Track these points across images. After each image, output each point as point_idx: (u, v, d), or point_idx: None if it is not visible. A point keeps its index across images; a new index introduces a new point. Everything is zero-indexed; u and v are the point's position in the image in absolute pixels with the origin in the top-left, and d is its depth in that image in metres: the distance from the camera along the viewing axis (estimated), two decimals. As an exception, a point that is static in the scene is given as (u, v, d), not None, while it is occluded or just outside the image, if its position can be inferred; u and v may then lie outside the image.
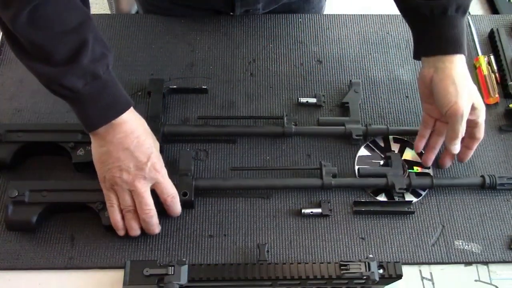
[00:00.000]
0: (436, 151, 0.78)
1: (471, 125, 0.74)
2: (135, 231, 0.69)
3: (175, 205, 0.70)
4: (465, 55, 0.72)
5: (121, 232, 0.69)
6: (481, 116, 0.73)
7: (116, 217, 0.68)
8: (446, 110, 0.70)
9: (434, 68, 0.72)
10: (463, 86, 0.70)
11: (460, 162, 0.79)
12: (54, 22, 0.59)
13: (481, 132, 0.75)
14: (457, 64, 0.71)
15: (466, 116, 0.70)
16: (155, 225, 0.69)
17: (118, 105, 0.65)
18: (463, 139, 0.74)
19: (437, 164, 0.79)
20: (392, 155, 0.78)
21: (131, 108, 0.67)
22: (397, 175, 0.75)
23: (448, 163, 0.78)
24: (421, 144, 0.78)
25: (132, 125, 0.66)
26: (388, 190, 0.76)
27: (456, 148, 0.73)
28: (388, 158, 0.78)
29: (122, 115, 0.65)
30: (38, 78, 0.63)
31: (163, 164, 0.69)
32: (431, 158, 0.78)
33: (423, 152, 0.79)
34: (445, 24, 0.71)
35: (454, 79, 0.70)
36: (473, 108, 0.71)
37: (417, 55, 0.76)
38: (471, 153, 0.77)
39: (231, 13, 0.93)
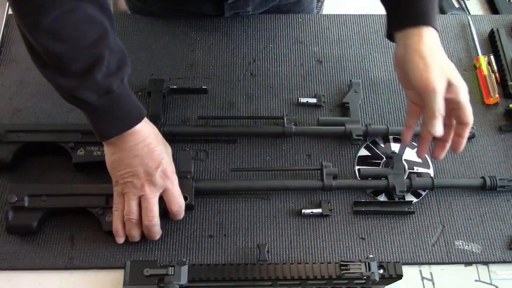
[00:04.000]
0: (428, 142, 0.70)
1: (454, 106, 0.67)
2: (135, 238, 0.70)
3: (180, 214, 0.71)
4: (434, 28, 0.68)
5: (120, 240, 0.70)
6: (462, 93, 0.66)
7: (117, 224, 0.68)
8: (418, 88, 0.66)
9: (404, 46, 0.68)
10: (432, 59, 0.66)
11: (454, 152, 0.71)
12: (71, 35, 0.59)
13: (467, 114, 0.67)
14: (425, 38, 0.67)
15: (440, 92, 0.64)
16: (156, 233, 0.69)
17: (130, 118, 0.65)
18: (453, 127, 0.69)
19: (432, 155, 0.73)
20: (393, 155, 0.77)
21: (145, 118, 0.67)
22: (398, 176, 0.75)
23: (440, 152, 0.71)
24: (408, 134, 0.73)
25: (144, 134, 0.67)
26: (389, 191, 0.76)
27: (437, 129, 0.65)
28: (389, 158, 0.77)
29: (138, 125, 0.66)
30: (54, 87, 0.63)
31: (174, 171, 0.70)
32: (424, 150, 0.72)
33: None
34: None
35: (422, 53, 0.66)
36: (449, 85, 0.66)
37: (388, 33, 0.72)
38: (463, 141, 0.69)
39: (221, 16, 0.93)
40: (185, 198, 0.71)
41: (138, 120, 0.66)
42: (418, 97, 0.69)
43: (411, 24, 0.68)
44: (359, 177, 0.77)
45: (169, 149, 0.71)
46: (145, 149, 0.66)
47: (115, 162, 0.67)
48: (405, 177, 0.76)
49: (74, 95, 0.61)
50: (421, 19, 0.67)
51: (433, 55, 0.66)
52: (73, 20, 0.58)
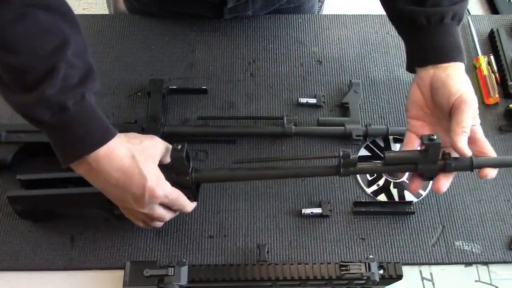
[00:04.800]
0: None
1: (473, 136, 0.65)
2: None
3: (183, 210, 0.67)
4: (464, 64, 0.69)
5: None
6: (478, 123, 0.67)
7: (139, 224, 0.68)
8: (453, 99, 0.64)
9: (435, 68, 0.68)
10: (467, 84, 0.66)
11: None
12: (21, 45, 0.52)
13: (486, 146, 0.66)
14: (458, 70, 0.68)
15: (474, 110, 0.64)
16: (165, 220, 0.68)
17: (91, 141, 0.56)
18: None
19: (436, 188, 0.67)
20: (430, 143, 0.62)
21: (114, 140, 0.58)
22: (429, 163, 0.65)
23: (445, 185, 0.66)
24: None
25: (115, 161, 0.58)
26: (388, 189, 0.76)
27: (464, 146, 0.61)
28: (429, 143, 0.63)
29: (99, 150, 0.56)
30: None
31: (164, 184, 0.62)
32: (418, 185, 0.68)
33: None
34: (442, 32, 0.69)
35: (457, 77, 0.66)
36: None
37: (412, 66, 0.71)
38: (494, 172, 0.66)
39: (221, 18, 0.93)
40: (192, 195, 0.68)
41: (99, 144, 0.56)
42: (422, 126, 0.70)
43: (444, 61, 0.68)
44: (383, 164, 0.65)
45: (158, 149, 0.64)
46: (121, 178, 0.58)
47: (100, 190, 0.61)
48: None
49: (25, 112, 0.54)
50: (454, 54, 0.68)
51: (467, 82, 0.67)
52: (23, 28, 0.52)
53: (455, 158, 0.65)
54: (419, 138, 0.70)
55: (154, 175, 0.61)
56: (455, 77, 0.66)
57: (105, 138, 0.57)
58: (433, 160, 0.63)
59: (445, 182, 0.66)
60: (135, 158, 0.59)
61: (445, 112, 0.67)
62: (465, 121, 0.63)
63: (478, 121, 0.67)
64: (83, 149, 0.56)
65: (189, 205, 0.67)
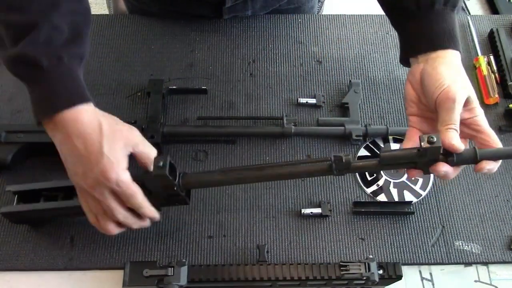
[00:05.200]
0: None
1: (474, 127, 0.63)
2: (114, 231, 0.64)
3: (140, 211, 0.63)
4: (459, 52, 0.65)
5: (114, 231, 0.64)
6: (480, 114, 0.63)
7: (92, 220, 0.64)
8: (436, 95, 0.61)
9: (425, 61, 0.65)
10: (457, 72, 0.63)
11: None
12: (15, 2, 0.56)
13: (491, 137, 0.62)
14: (452, 58, 0.64)
15: (460, 105, 0.60)
16: (134, 224, 0.63)
17: (56, 101, 0.57)
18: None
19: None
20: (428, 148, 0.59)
21: (84, 107, 0.58)
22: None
23: (451, 171, 0.61)
24: None
25: (78, 126, 0.58)
26: (388, 189, 0.76)
27: (456, 141, 0.59)
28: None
29: (66, 112, 0.57)
30: None
31: (122, 167, 0.59)
32: (416, 173, 0.64)
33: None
34: (433, 18, 0.65)
35: (449, 65, 0.63)
36: (468, 103, 0.62)
37: (404, 57, 0.69)
38: (496, 165, 0.62)
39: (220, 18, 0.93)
40: (182, 201, 0.66)
41: (66, 105, 0.57)
42: (424, 122, 0.66)
43: (436, 48, 0.65)
44: (379, 163, 0.63)
45: (133, 135, 0.62)
46: (80, 147, 0.58)
47: (61, 156, 0.61)
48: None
49: (7, 66, 0.58)
50: (447, 42, 0.65)
51: (459, 70, 0.64)
52: None
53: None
54: (420, 132, 0.67)
55: (113, 157, 0.58)
56: (441, 70, 0.62)
57: (73, 101, 0.58)
58: (432, 159, 0.60)
59: (450, 169, 0.61)
60: (102, 133, 0.58)
61: (433, 109, 0.64)
62: (450, 119, 0.60)
63: (480, 111, 0.63)
64: (50, 108, 0.57)
65: (148, 208, 0.62)
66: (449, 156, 0.60)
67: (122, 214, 0.62)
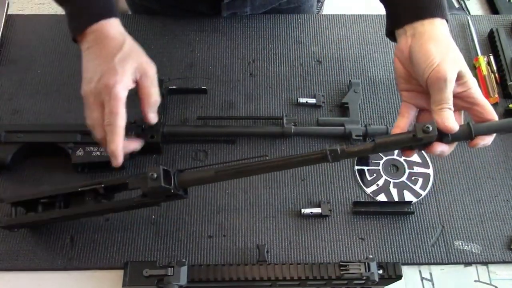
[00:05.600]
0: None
1: (467, 103, 0.62)
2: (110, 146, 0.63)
3: (110, 125, 0.62)
4: (447, 20, 0.64)
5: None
6: (474, 86, 0.61)
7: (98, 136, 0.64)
8: (427, 75, 0.60)
9: (412, 35, 0.63)
10: (447, 47, 0.61)
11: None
12: None
13: (487, 109, 0.61)
14: (439, 27, 0.62)
15: (451, 83, 0.59)
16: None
17: (89, 14, 0.63)
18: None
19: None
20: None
21: (112, 21, 0.65)
22: None
23: (447, 149, 0.62)
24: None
25: (104, 35, 0.63)
26: (388, 189, 0.76)
27: (451, 121, 0.58)
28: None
29: (94, 25, 0.63)
30: None
31: (124, 84, 0.62)
32: (411, 153, 0.65)
33: None
34: None
35: (437, 40, 0.61)
36: (460, 77, 0.61)
37: (390, 29, 0.67)
38: (490, 139, 0.62)
39: (219, 15, 0.92)
40: (180, 197, 0.66)
41: (95, 18, 0.63)
42: (415, 97, 0.66)
43: (422, 17, 0.63)
44: (373, 149, 0.62)
45: (144, 70, 0.66)
46: (99, 50, 0.63)
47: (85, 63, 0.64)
48: None
49: None
50: (433, 10, 0.63)
51: (449, 43, 0.62)
52: None
53: None
54: (414, 107, 0.67)
55: (121, 68, 0.62)
56: (429, 47, 0.61)
57: (102, 15, 0.63)
58: (428, 142, 0.60)
59: (446, 147, 0.62)
60: (122, 48, 0.64)
61: (424, 87, 0.62)
62: (442, 99, 0.59)
63: (474, 83, 0.61)
64: (83, 21, 0.63)
65: (116, 146, 0.61)
66: (444, 135, 0.60)
67: (98, 131, 0.63)
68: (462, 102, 0.63)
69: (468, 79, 0.61)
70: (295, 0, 0.99)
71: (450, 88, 0.59)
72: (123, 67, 0.62)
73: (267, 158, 0.64)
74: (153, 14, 0.93)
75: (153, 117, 0.68)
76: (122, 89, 0.61)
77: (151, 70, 0.66)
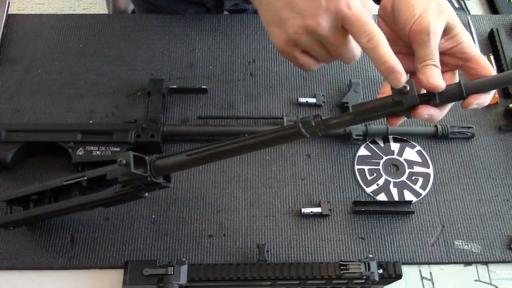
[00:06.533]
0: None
1: (460, 56, 0.55)
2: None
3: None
4: None
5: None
6: (466, 40, 0.54)
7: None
8: (408, 29, 0.52)
9: None
10: None
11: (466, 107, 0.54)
12: None
13: (481, 64, 0.54)
14: None
15: (435, 35, 0.52)
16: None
17: None
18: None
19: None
20: None
21: None
22: None
23: (437, 113, 0.53)
24: None
25: None
26: (388, 189, 0.76)
27: (437, 80, 0.51)
28: None
29: None
30: None
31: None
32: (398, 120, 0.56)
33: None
34: None
35: None
36: (448, 30, 0.53)
37: None
38: (486, 98, 0.53)
39: (221, 8, 0.92)
40: (163, 186, 0.62)
41: None
42: (403, 58, 0.54)
43: None
44: (354, 118, 0.55)
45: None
46: None
47: (267, 14, 0.53)
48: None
49: None
50: None
51: None
52: None
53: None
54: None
55: None
56: None
57: None
58: (411, 105, 0.52)
59: (435, 110, 0.53)
60: None
61: (409, 44, 0.54)
62: (425, 54, 0.52)
63: (466, 35, 0.54)
64: None
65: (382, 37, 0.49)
66: (431, 96, 0.52)
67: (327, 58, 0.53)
68: (452, 59, 0.55)
69: (458, 32, 0.54)
70: None
71: (435, 41, 0.52)
72: None
73: (246, 136, 0.59)
74: (156, 10, 0.93)
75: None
76: (356, 1, 0.49)
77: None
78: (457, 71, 0.57)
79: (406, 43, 0.55)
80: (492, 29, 0.93)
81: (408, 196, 0.77)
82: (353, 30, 0.49)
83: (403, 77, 0.49)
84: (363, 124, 0.80)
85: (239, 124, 0.82)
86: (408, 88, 0.50)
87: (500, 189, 0.78)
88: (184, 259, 0.64)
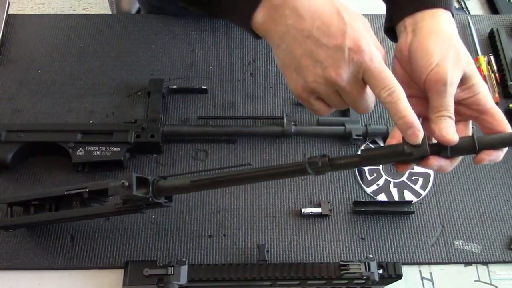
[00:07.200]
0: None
1: (475, 107, 0.53)
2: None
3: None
4: (452, 13, 0.56)
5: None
6: (482, 91, 0.53)
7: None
8: (424, 77, 0.52)
9: (412, 31, 0.55)
10: (448, 44, 0.52)
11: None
12: None
13: (497, 118, 0.53)
14: (442, 20, 0.55)
15: (452, 86, 0.51)
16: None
17: None
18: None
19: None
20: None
21: None
22: None
23: (447, 164, 0.52)
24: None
25: (303, 2, 0.49)
26: (388, 189, 0.76)
27: (449, 132, 0.49)
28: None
29: None
30: None
31: (369, 41, 0.50)
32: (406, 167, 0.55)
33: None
34: None
35: (437, 36, 0.53)
36: (465, 80, 0.52)
37: (389, 24, 0.60)
38: (499, 154, 0.52)
39: None
40: (164, 206, 0.63)
41: None
42: (416, 103, 0.55)
43: (424, 6, 0.55)
44: (362, 161, 0.54)
45: (360, 21, 0.52)
46: (316, 23, 0.48)
47: (285, 58, 0.51)
48: None
49: None
50: (438, 0, 0.55)
51: (451, 39, 0.53)
52: None
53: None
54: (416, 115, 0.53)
55: (357, 27, 0.49)
56: (428, 44, 0.53)
57: None
58: (421, 155, 0.51)
59: (446, 162, 0.52)
60: (333, 4, 0.49)
61: (425, 92, 0.54)
62: (441, 105, 0.51)
63: (483, 87, 0.53)
64: None
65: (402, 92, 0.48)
66: (443, 148, 0.51)
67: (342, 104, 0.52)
68: (467, 110, 0.54)
69: (475, 83, 0.53)
70: None
71: (451, 92, 0.51)
72: (358, 28, 0.49)
73: (251, 166, 0.60)
74: (164, 12, 0.93)
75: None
76: (378, 52, 0.50)
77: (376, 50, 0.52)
78: (470, 121, 0.56)
79: (421, 88, 0.54)
80: (492, 29, 0.93)
81: (408, 196, 0.77)
82: (374, 83, 0.49)
83: (421, 134, 0.48)
84: (363, 124, 0.80)
85: (239, 124, 0.82)
86: (420, 142, 0.49)
87: (500, 189, 0.78)
88: (184, 259, 0.64)
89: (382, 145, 0.81)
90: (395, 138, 0.55)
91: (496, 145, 0.51)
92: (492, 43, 0.92)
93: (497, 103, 0.85)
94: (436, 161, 0.51)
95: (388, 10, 0.62)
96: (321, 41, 0.49)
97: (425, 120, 0.56)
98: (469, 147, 0.51)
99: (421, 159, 0.51)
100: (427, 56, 0.52)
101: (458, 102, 0.53)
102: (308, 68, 0.50)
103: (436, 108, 0.51)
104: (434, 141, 0.51)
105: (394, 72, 0.57)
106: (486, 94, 0.53)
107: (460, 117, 0.54)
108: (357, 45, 0.48)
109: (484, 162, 0.51)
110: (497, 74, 0.88)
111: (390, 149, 0.53)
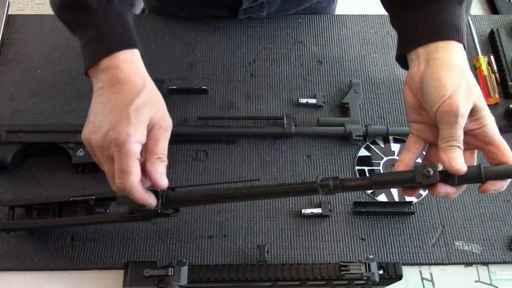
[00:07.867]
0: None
1: (482, 139, 0.56)
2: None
3: (121, 178, 0.52)
4: (464, 45, 0.58)
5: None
6: (489, 123, 0.55)
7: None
8: (436, 108, 0.54)
9: (426, 61, 0.57)
10: (461, 76, 0.55)
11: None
12: None
13: (502, 150, 0.55)
14: (455, 53, 0.57)
15: (463, 118, 0.53)
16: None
17: (106, 43, 0.55)
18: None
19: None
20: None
21: (131, 56, 0.57)
22: None
23: (453, 192, 0.56)
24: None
25: (114, 75, 0.55)
26: (388, 189, 0.76)
27: (458, 162, 0.52)
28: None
29: (112, 57, 0.55)
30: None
31: (134, 140, 0.52)
32: (413, 192, 0.58)
33: None
34: (436, 9, 0.59)
35: (450, 68, 0.55)
36: (474, 112, 0.55)
37: (402, 52, 0.62)
38: (503, 184, 0.55)
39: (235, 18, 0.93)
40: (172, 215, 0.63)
41: (114, 48, 0.55)
42: (427, 130, 0.58)
43: (438, 38, 0.57)
44: (369, 185, 0.57)
45: (160, 122, 0.56)
46: (106, 97, 0.54)
47: (93, 107, 0.57)
48: None
49: (56, 11, 0.59)
50: (450, 32, 0.57)
51: (463, 73, 0.56)
52: None
53: None
54: (423, 141, 0.60)
55: (136, 120, 0.53)
56: (441, 75, 0.55)
57: (122, 45, 0.56)
58: (430, 184, 0.54)
59: (452, 189, 0.56)
60: (140, 94, 0.55)
61: (434, 121, 0.56)
62: (451, 135, 0.53)
63: (490, 119, 0.55)
64: (98, 51, 0.56)
65: (139, 194, 0.53)
66: (450, 176, 0.54)
67: (113, 181, 0.55)
68: (475, 140, 0.56)
69: (484, 115, 0.55)
70: (312, 8, 0.98)
71: (461, 124, 0.53)
72: (138, 118, 0.53)
73: (259, 181, 0.64)
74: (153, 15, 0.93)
75: (159, 178, 0.54)
76: (135, 145, 0.52)
77: (167, 124, 0.57)
78: (476, 150, 0.59)
79: (431, 116, 0.56)
80: (492, 29, 0.92)
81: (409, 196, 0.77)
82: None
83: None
84: (363, 124, 0.80)
85: (239, 124, 0.82)
86: (432, 172, 0.53)
87: (500, 189, 0.78)
88: (184, 260, 0.64)
89: (382, 145, 0.81)
90: (403, 162, 0.58)
91: (501, 176, 0.54)
92: (492, 43, 0.92)
93: (497, 103, 0.85)
94: (444, 188, 0.54)
95: (400, 38, 0.64)
96: (105, 111, 0.54)
97: (432, 146, 0.60)
98: (475, 177, 0.54)
99: (430, 186, 0.55)
100: (440, 87, 0.54)
101: (466, 133, 0.55)
102: (94, 124, 0.55)
103: (446, 138, 0.54)
104: (441, 167, 0.55)
105: (405, 98, 0.61)
106: (493, 126, 0.56)
107: (467, 146, 0.56)
108: (116, 131, 0.52)
109: (489, 192, 0.55)
110: (497, 74, 0.88)
111: (401, 176, 0.56)
